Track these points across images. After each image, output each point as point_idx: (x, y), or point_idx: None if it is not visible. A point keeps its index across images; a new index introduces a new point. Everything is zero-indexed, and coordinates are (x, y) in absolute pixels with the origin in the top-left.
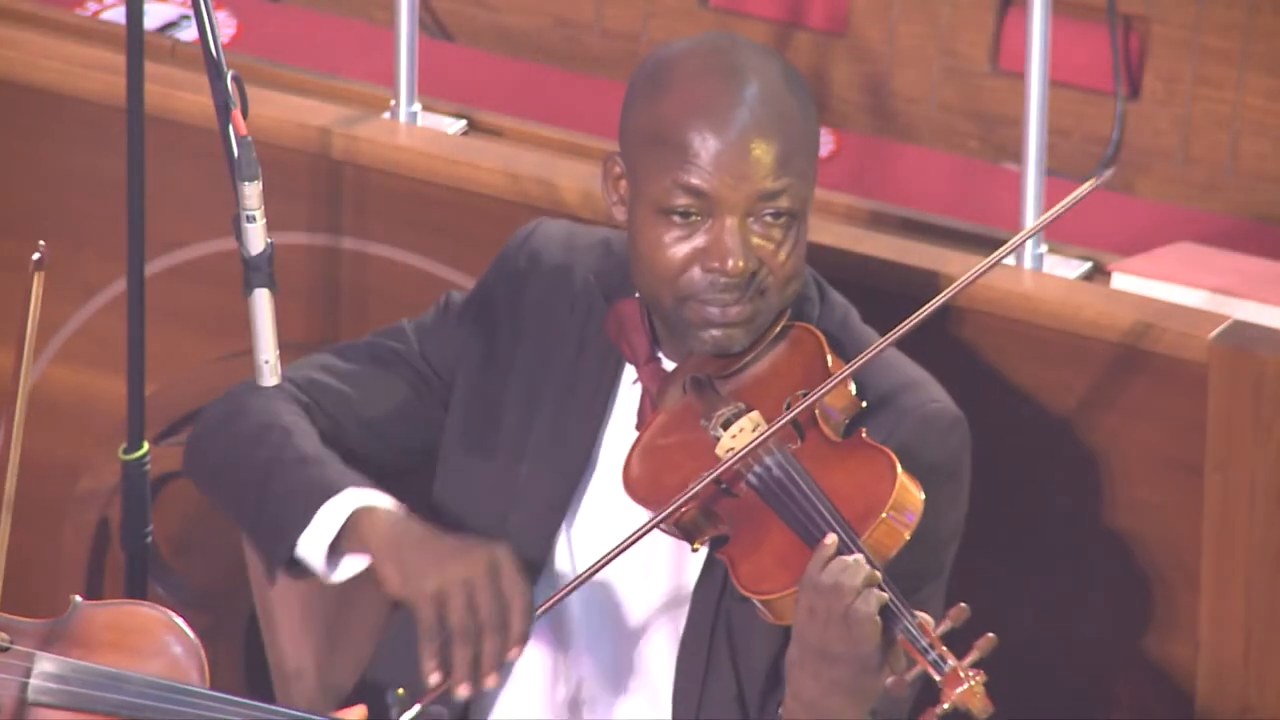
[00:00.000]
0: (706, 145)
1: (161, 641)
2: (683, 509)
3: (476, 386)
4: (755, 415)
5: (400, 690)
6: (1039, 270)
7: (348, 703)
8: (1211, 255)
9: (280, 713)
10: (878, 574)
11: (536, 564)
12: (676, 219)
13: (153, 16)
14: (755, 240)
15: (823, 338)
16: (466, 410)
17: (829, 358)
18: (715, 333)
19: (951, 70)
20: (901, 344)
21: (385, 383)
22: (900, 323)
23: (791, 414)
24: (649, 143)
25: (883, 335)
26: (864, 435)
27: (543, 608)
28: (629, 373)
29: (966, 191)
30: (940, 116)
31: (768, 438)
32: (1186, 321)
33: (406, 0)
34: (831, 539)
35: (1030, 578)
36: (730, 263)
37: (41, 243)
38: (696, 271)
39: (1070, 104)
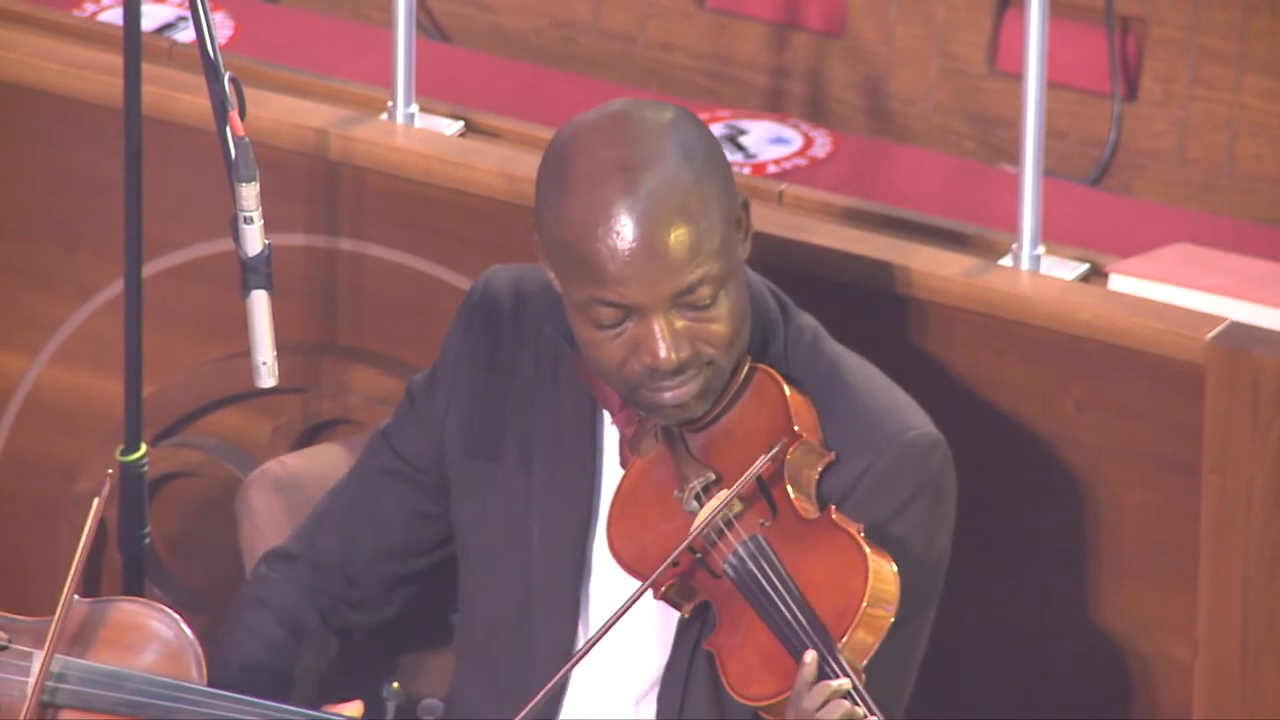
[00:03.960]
0: (614, 257)
1: (159, 638)
2: (663, 582)
3: (467, 454)
4: (725, 493)
5: (395, 684)
6: (1036, 271)
7: (344, 698)
8: (1209, 256)
9: (278, 709)
10: (858, 710)
11: (569, 617)
12: (605, 324)
13: (150, 18)
14: (683, 325)
15: (783, 382)
16: (466, 479)
17: (789, 406)
18: (673, 410)
19: (948, 71)
20: (898, 342)
21: (381, 507)
22: (892, 321)
23: (739, 486)
24: (560, 249)
25: (864, 339)
26: (834, 514)
27: None
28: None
29: (963, 193)
30: (937, 117)
31: (731, 500)
32: (1183, 323)
33: (404, 1)
34: (812, 657)
35: (1027, 579)
36: (663, 357)
37: (110, 471)
38: (636, 364)
39: (1067, 105)
